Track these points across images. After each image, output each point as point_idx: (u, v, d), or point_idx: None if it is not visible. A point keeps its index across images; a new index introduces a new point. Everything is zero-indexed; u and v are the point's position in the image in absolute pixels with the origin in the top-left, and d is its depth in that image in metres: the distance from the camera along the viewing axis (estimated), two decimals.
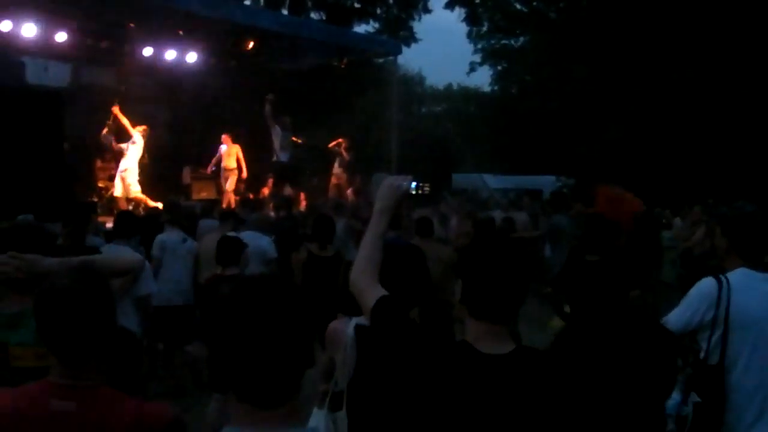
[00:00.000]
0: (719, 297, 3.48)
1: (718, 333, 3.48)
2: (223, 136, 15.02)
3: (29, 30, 12.59)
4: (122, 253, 5.48)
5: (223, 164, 14.95)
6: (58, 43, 13.41)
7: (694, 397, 3.50)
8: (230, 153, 14.97)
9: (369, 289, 2.29)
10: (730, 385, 3.44)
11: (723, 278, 3.53)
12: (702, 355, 3.59)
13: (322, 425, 2.88)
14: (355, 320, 2.79)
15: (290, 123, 14.96)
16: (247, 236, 6.98)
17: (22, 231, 2.85)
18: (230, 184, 14.80)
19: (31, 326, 2.04)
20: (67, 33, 13.38)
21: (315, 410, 3.05)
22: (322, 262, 7.00)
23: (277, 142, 14.71)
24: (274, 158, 14.86)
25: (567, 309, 5.59)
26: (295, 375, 1.56)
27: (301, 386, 1.59)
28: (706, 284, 3.58)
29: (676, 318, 3.66)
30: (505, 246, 2.11)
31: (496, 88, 42.07)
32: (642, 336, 1.50)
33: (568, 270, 6.03)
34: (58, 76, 14.66)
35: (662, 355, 1.50)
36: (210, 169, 15.45)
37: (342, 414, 2.81)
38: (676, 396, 3.57)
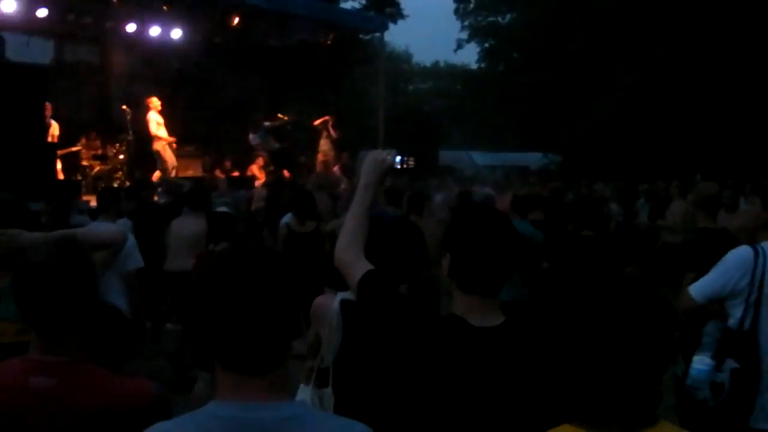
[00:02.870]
0: (755, 265, 3.60)
1: (752, 299, 3.58)
2: (151, 99, 13.54)
3: (9, 5, 12.39)
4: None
5: (152, 134, 13.42)
6: (40, 18, 13.20)
7: (732, 363, 3.58)
8: (159, 121, 13.46)
9: (354, 264, 2.27)
10: (763, 350, 3.55)
11: (759, 248, 3.65)
12: (731, 321, 3.68)
13: (309, 402, 2.86)
14: (340, 295, 2.77)
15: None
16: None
17: (1, 207, 2.81)
18: (170, 156, 13.48)
19: (12, 301, 2.01)
20: (49, 8, 13.17)
21: (301, 386, 3.03)
22: (301, 238, 6.99)
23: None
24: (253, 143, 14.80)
25: None
26: (281, 340, 1.55)
27: (287, 356, 1.59)
28: (743, 252, 3.69)
29: (707, 284, 3.74)
30: (492, 218, 2.09)
31: (483, 65, 41.97)
32: (637, 308, 1.49)
33: (564, 245, 6.05)
34: (41, 52, 14.46)
35: (657, 328, 1.49)
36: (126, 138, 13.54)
37: (328, 391, 2.80)
38: (708, 362, 3.64)
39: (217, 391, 1.58)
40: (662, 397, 1.56)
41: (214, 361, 1.57)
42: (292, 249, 6.91)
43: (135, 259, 5.28)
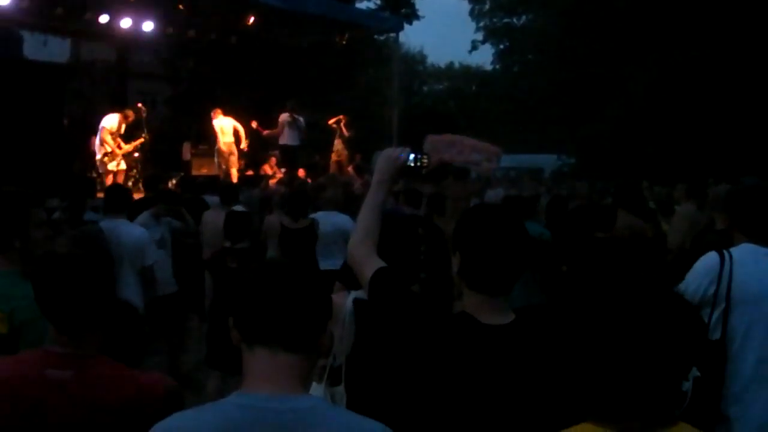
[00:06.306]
0: (721, 272, 3.39)
1: (719, 309, 3.38)
2: (214, 111, 14.00)
3: (27, 4, 12.50)
4: (123, 229, 5.46)
5: (219, 142, 13.92)
6: (57, 16, 13.30)
7: (695, 372, 3.46)
8: (227, 128, 14.00)
9: (367, 261, 2.27)
10: (730, 360, 3.37)
11: (726, 253, 3.43)
12: None
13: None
14: (353, 294, 2.78)
15: (296, 104, 14.66)
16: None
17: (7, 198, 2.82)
18: (233, 162, 13.94)
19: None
20: (66, 6, 13.27)
21: (313, 384, 3.04)
22: (295, 234, 6.95)
23: (285, 127, 14.41)
24: (283, 142, 14.58)
25: None
26: (315, 319, 1.70)
27: (317, 342, 1.74)
28: (709, 259, 3.48)
29: (680, 291, 3.61)
30: (501, 217, 2.09)
31: (497, 66, 41.88)
32: (655, 309, 1.49)
33: (578, 246, 6.02)
34: (58, 51, 14.58)
35: (678, 329, 1.49)
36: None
37: (340, 389, 2.81)
38: None
39: (242, 381, 1.67)
40: (685, 398, 1.56)
41: (241, 347, 1.68)
42: (285, 245, 6.90)
43: (150, 255, 5.30)
